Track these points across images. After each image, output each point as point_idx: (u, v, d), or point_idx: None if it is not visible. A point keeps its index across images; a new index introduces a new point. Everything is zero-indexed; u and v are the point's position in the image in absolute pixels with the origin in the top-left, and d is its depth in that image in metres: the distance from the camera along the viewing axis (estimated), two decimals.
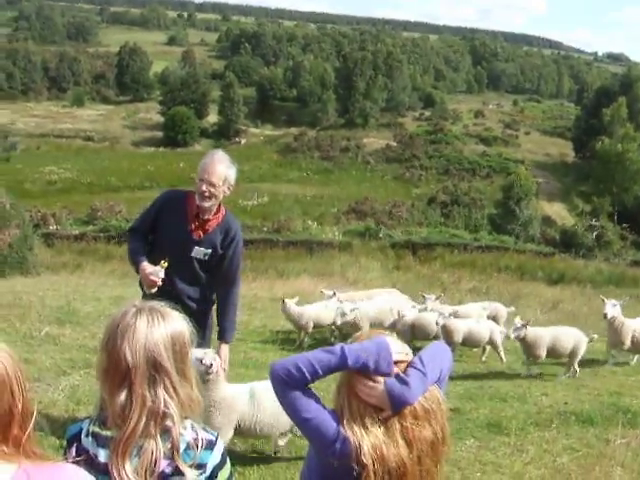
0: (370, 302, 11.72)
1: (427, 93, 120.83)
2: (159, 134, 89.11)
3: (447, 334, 9.93)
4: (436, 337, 10.24)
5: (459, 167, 79.53)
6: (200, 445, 2.17)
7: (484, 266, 31.70)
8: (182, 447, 2.13)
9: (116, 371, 2.07)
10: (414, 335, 10.80)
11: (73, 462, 1.94)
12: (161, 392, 2.10)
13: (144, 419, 2.06)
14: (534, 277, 30.02)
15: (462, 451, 5.88)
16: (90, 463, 2.03)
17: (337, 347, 2.26)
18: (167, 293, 4.70)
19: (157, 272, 4.73)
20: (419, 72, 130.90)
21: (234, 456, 5.30)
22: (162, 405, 2.09)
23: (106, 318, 8.70)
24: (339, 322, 10.53)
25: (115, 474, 2.02)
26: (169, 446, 2.10)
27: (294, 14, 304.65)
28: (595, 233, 40.94)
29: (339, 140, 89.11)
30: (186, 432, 2.16)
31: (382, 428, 2.27)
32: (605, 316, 10.39)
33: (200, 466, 2.16)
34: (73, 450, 2.06)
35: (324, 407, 2.29)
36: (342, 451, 2.21)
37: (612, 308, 10.38)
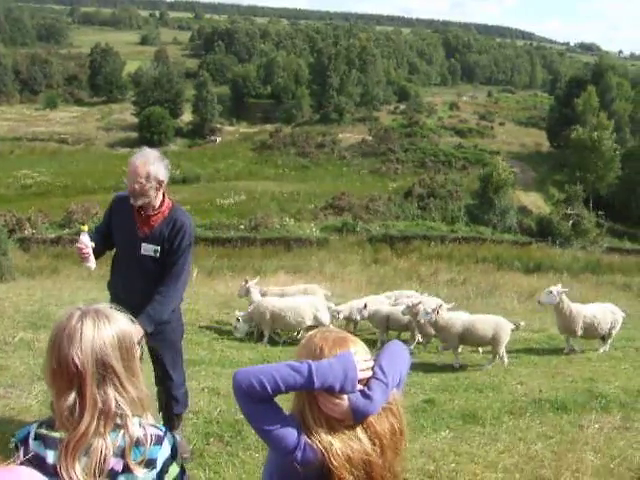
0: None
1: (401, 86, 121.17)
2: (134, 135, 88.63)
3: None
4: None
5: (435, 160, 79.78)
6: (149, 441, 2.20)
7: (461, 257, 31.91)
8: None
9: (64, 374, 2.09)
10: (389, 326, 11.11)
11: (21, 464, 1.97)
12: (111, 392, 2.14)
13: (95, 420, 2.09)
14: (511, 267, 30.24)
15: (437, 442, 5.90)
16: (38, 465, 2.05)
17: (304, 366, 2.21)
18: (126, 294, 4.84)
19: (80, 240, 4.77)
20: (393, 66, 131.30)
21: (208, 456, 5.31)
22: (113, 405, 2.12)
23: None
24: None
25: (64, 475, 2.04)
26: (118, 444, 2.13)
27: (266, 11, 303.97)
28: (571, 221, 41.30)
29: (315, 136, 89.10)
30: (134, 428, 2.18)
31: (345, 428, 2.27)
32: (538, 302, 10.96)
33: (150, 461, 2.20)
34: (21, 453, 2.07)
35: (284, 416, 2.27)
36: (304, 458, 2.21)
37: (547, 296, 10.61)
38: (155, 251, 4.91)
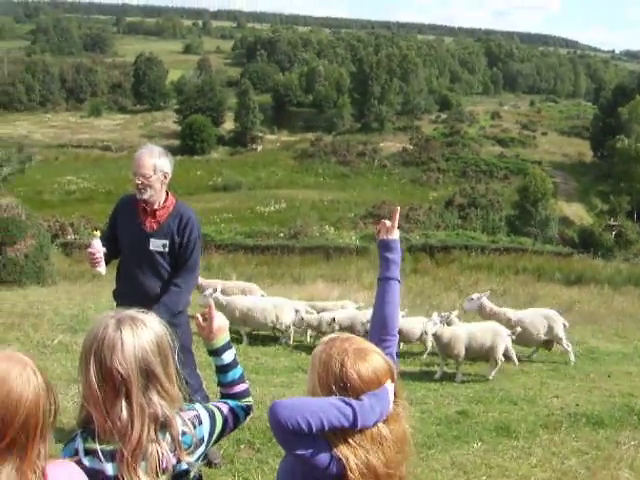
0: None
1: (443, 95, 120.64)
2: (176, 142, 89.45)
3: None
4: None
5: (476, 169, 79.36)
6: (192, 426, 2.27)
7: (502, 268, 31.53)
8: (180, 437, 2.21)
9: (110, 386, 2.08)
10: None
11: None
12: (155, 397, 2.14)
13: (146, 427, 2.11)
14: (552, 278, 29.83)
15: (469, 454, 5.84)
16: (98, 478, 2.08)
17: (349, 409, 2.17)
18: (137, 295, 4.83)
19: (91, 245, 4.83)
20: (435, 75, 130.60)
21: (239, 462, 5.31)
22: (159, 409, 2.13)
23: None
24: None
25: None
26: (168, 442, 2.17)
27: (308, 19, 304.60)
28: (614, 232, 40.68)
29: (355, 145, 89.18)
30: (178, 424, 2.22)
31: (359, 438, 2.25)
32: (463, 310, 11.12)
33: (201, 441, 2.30)
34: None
35: (314, 435, 2.24)
36: (338, 469, 2.20)
37: (468, 302, 10.92)
38: (164, 245, 4.96)
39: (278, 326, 11.29)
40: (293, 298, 15.92)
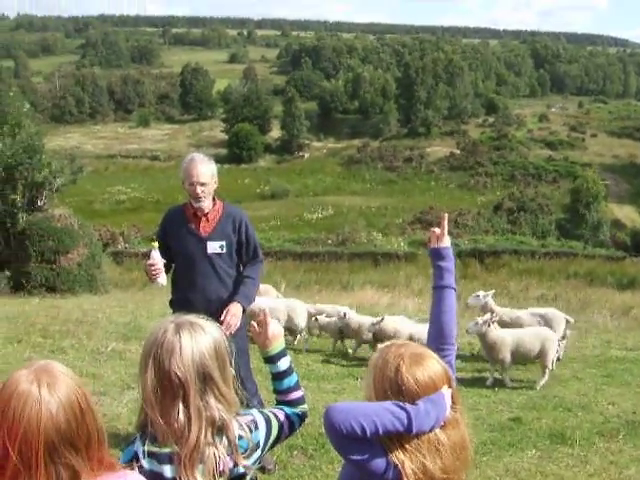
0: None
1: (489, 99, 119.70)
2: (223, 151, 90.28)
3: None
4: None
5: (524, 173, 78.57)
6: (248, 430, 2.28)
7: (552, 273, 31.09)
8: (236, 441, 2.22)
9: (168, 389, 2.11)
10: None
11: None
12: (212, 401, 2.16)
13: (203, 430, 2.13)
14: (604, 283, 29.30)
15: (523, 462, 5.74)
16: None
17: (404, 414, 2.17)
18: (198, 301, 4.94)
19: (151, 256, 4.84)
20: (481, 78, 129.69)
21: (292, 468, 5.31)
22: (215, 412, 2.15)
23: None
24: None
25: None
26: (226, 444, 2.18)
27: (352, 26, 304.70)
28: None
29: (402, 150, 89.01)
30: (235, 428, 2.23)
31: (416, 444, 2.23)
32: (467, 305, 11.14)
33: (257, 445, 2.31)
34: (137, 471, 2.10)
35: (370, 440, 2.22)
36: (394, 475, 2.19)
37: (474, 299, 10.90)
38: (221, 247, 5.00)
39: (293, 327, 11.13)
40: (342, 305, 15.95)
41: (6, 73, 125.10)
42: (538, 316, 10.60)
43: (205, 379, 2.15)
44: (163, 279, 4.93)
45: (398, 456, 2.20)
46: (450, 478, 2.25)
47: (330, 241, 40.20)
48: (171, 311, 5.17)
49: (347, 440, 2.17)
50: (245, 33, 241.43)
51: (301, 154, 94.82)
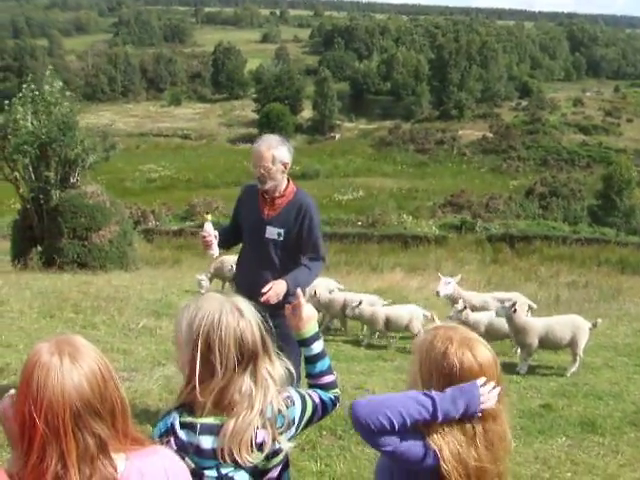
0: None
1: (523, 82, 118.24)
2: (254, 131, 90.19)
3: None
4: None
5: (557, 157, 77.78)
6: (286, 406, 2.31)
7: (583, 259, 30.75)
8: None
9: (230, 359, 2.15)
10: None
11: (174, 452, 2.06)
12: (265, 372, 2.23)
13: (264, 398, 2.20)
14: (636, 271, 28.93)
15: (553, 449, 5.68)
16: (191, 452, 2.13)
17: (429, 401, 2.19)
18: (248, 281, 4.96)
19: (204, 229, 4.96)
20: (515, 61, 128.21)
21: (321, 448, 5.31)
22: (270, 381, 2.23)
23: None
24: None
25: (228, 458, 2.14)
26: (268, 417, 2.21)
27: (385, 7, 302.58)
28: None
29: (434, 132, 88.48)
30: (279, 400, 2.28)
31: (451, 432, 2.23)
32: (437, 294, 10.68)
33: (292, 422, 2.34)
34: (172, 442, 2.12)
35: (407, 430, 2.21)
36: (434, 462, 2.19)
37: (445, 286, 10.55)
38: (279, 234, 4.96)
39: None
40: (371, 288, 15.90)
41: (40, 52, 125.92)
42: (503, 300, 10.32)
43: (264, 348, 2.22)
44: (215, 250, 5.04)
45: (435, 441, 2.21)
46: (485, 467, 2.25)
47: (360, 223, 40.16)
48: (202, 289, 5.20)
49: (378, 434, 2.18)
50: (278, 13, 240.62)
51: (332, 135, 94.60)
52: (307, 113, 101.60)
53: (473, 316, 9.35)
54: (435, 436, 2.20)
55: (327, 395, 2.61)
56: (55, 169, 18.36)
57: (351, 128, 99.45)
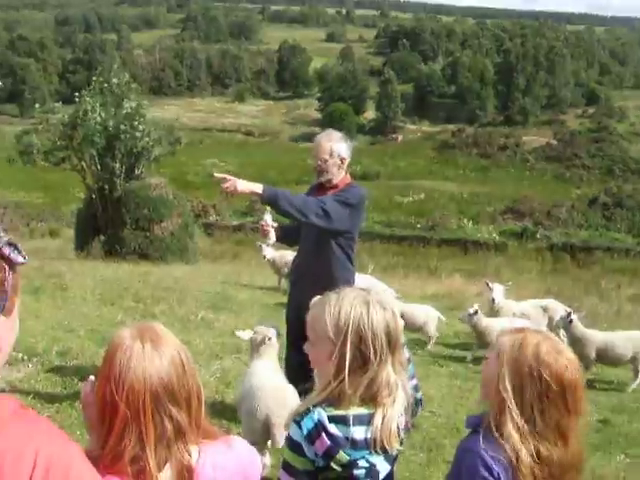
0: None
1: (591, 89, 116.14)
2: (317, 130, 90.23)
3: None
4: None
5: (624, 168, 76.08)
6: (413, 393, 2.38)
7: None
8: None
9: (376, 351, 2.17)
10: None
11: (329, 447, 2.09)
12: (401, 360, 2.27)
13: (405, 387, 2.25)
14: None
15: (610, 466, 5.49)
16: (346, 444, 2.12)
17: None
18: (302, 270, 5.24)
19: (264, 218, 5.21)
20: (583, 67, 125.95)
21: None
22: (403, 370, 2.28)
23: (260, 307, 8.72)
24: None
25: (378, 446, 2.15)
26: (405, 404, 2.25)
27: (453, 9, 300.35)
28: None
29: (497, 137, 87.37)
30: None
31: (537, 435, 2.20)
32: (493, 301, 10.35)
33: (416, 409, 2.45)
34: (324, 438, 2.10)
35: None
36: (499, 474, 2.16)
37: (501, 294, 10.42)
38: None
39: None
40: (429, 292, 15.74)
41: (109, 46, 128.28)
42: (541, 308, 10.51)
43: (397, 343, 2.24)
44: (272, 238, 5.25)
45: (515, 443, 2.18)
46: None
47: (419, 226, 40.02)
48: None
49: None
50: (344, 12, 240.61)
51: (395, 136, 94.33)
52: (370, 114, 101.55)
53: (486, 321, 9.22)
54: (515, 439, 2.17)
55: (416, 396, 2.64)
56: (121, 160, 18.66)
57: (414, 130, 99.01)
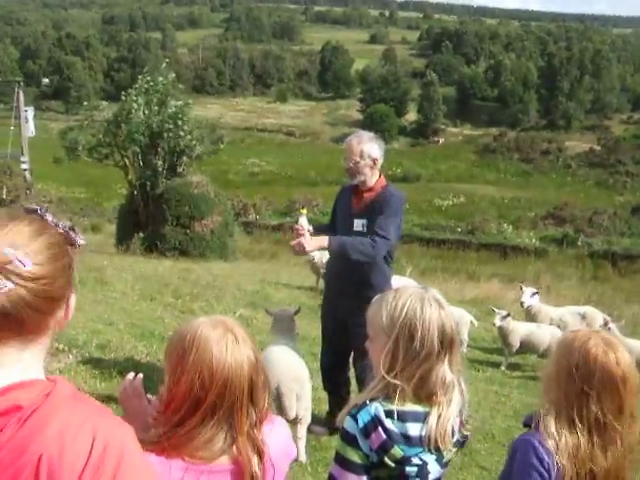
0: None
1: (637, 94, 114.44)
2: (358, 131, 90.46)
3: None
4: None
5: None
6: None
7: None
8: None
9: (428, 348, 2.16)
10: None
11: (384, 441, 2.10)
12: (458, 361, 2.26)
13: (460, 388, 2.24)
14: None
15: None
16: (399, 440, 2.12)
17: None
18: (338, 274, 5.18)
19: (299, 222, 5.03)
20: (629, 71, 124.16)
21: None
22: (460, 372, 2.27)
23: (297, 306, 8.74)
24: None
25: (431, 445, 2.15)
26: (460, 406, 2.25)
27: (497, 12, 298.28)
28: None
29: (540, 142, 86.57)
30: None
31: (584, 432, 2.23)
32: (522, 305, 10.29)
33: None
34: (381, 432, 2.11)
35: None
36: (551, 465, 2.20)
37: (530, 297, 10.25)
38: (363, 225, 5.04)
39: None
40: (467, 296, 15.64)
41: (154, 44, 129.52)
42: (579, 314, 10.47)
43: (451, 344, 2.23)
44: (312, 256, 5.32)
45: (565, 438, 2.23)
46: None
47: (459, 229, 39.78)
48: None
49: None
50: (387, 14, 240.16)
51: (436, 139, 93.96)
52: (412, 116, 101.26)
53: (513, 324, 9.24)
54: (566, 435, 2.22)
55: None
56: (163, 158, 18.85)
57: (455, 133, 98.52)
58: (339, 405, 5.54)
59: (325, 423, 5.45)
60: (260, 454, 1.91)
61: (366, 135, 5.15)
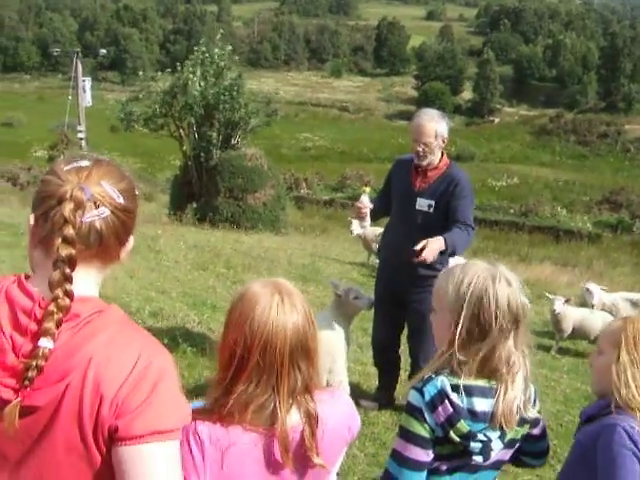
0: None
1: None
2: (412, 108, 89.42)
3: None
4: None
5: None
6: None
7: None
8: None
9: (493, 324, 2.13)
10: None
11: (450, 415, 2.07)
12: (524, 339, 2.22)
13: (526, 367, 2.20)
14: None
15: None
16: (464, 414, 2.10)
17: None
18: (396, 249, 5.06)
19: (360, 200, 5.06)
20: None
21: None
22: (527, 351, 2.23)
23: (348, 281, 8.68)
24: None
25: (497, 422, 2.12)
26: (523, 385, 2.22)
27: None
28: None
29: (598, 125, 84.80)
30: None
31: None
32: (593, 307, 9.76)
33: (534, 397, 2.31)
34: (447, 405, 2.08)
35: None
36: None
37: (599, 296, 9.83)
38: (429, 206, 4.93)
39: None
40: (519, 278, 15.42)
41: (209, 17, 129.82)
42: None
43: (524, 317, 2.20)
44: (367, 221, 5.19)
45: None
46: None
47: (512, 211, 39.42)
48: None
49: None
50: None
51: (491, 119, 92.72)
52: (467, 94, 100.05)
53: (569, 310, 9.03)
54: None
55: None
56: (218, 130, 18.95)
57: (511, 113, 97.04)
58: (389, 381, 5.55)
59: (375, 398, 5.45)
60: (311, 421, 1.90)
61: (436, 113, 5.02)
